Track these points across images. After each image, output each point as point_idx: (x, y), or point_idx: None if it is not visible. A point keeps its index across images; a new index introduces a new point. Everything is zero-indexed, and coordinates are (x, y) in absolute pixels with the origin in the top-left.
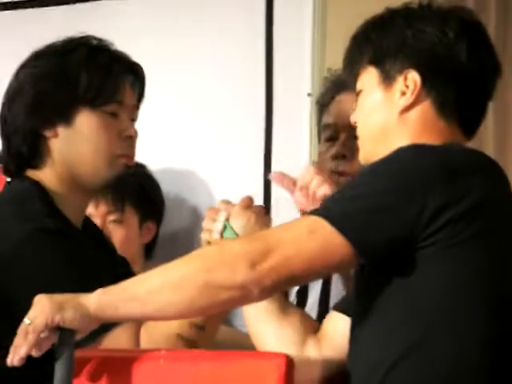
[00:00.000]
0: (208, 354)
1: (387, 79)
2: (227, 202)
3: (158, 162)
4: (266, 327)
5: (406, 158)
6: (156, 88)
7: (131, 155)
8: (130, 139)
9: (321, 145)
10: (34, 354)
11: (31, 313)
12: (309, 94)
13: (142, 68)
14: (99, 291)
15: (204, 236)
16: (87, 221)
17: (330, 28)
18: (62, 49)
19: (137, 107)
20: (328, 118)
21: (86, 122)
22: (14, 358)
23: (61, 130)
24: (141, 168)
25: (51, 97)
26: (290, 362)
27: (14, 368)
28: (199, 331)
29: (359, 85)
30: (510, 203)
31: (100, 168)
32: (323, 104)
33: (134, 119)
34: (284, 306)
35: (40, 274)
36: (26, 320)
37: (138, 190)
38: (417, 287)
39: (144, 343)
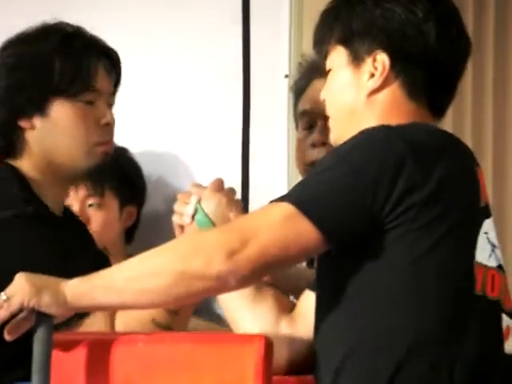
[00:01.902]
0: (187, 337)
1: (356, 60)
2: (199, 186)
3: (139, 145)
4: (241, 310)
5: (372, 140)
6: (134, 71)
7: (109, 142)
8: (108, 126)
9: (298, 132)
10: (9, 337)
11: (9, 289)
12: (286, 76)
13: (117, 53)
14: (76, 280)
15: (175, 219)
16: (67, 210)
17: (307, 8)
18: (34, 37)
19: (113, 93)
20: (304, 105)
21: (62, 113)
22: None
23: (37, 122)
24: (121, 151)
25: (25, 88)
26: (268, 344)
27: None
28: (173, 316)
29: (328, 63)
30: (472, 184)
31: (79, 158)
32: (298, 90)
33: (111, 105)
34: (257, 286)
35: (19, 260)
36: (3, 295)
37: (118, 174)
38: (380, 269)
39: (119, 329)
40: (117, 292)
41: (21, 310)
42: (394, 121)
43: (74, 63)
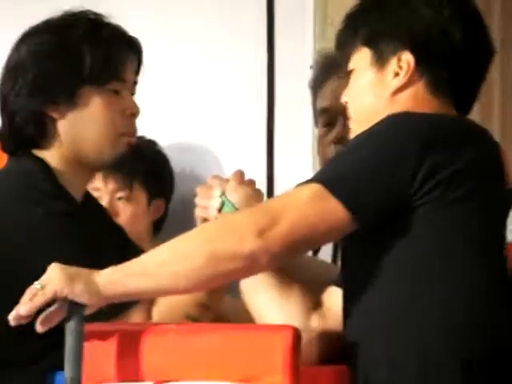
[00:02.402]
0: (217, 327)
1: (380, 60)
2: (219, 178)
3: (166, 137)
4: (268, 301)
5: (398, 122)
6: (161, 63)
7: (133, 133)
8: (133, 117)
9: (318, 129)
10: (41, 328)
11: (43, 279)
12: (311, 66)
13: (140, 43)
14: (109, 269)
15: (199, 213)
16: (87, 195)
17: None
18: (61, 24)
19: (135, 82)
20: (323, 102)
21: (91, 102)
22: (13, 315)
23: (66, 111)
24: (150, 144)
25: (55, 77)
26: (296, 334)
27: (25, 336)
28: (205, 310)
29: (351, 64)
30: (498, 168)
31: (104, 147)
32: (316, 87)
33: (133, 94)
34: (284, 280)
35: (50, 258)
36: (37, 284)
37: (146, 167)
38: (408, 248)
39: None
40: (150, 277)
41: (54, 300)
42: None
43: (102, 51)
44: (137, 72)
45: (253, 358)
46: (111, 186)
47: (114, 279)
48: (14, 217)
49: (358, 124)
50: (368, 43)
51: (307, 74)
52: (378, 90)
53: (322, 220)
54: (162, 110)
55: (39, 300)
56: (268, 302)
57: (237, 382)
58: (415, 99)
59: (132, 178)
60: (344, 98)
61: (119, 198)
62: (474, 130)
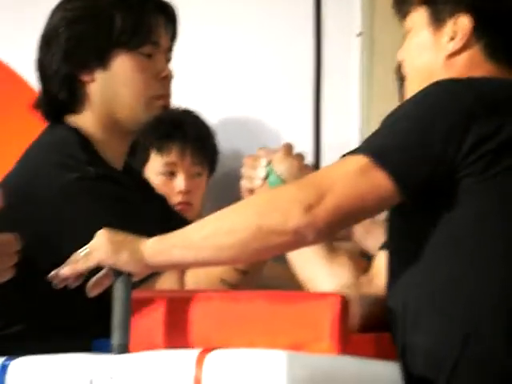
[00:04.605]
0: (262, 295)
1: (437, 21)
2: (266, 149)
3: (210, 109)
4: (317, 270)
5: (442, 92)
6: (204, 35)
7: (168, 95)
8: (166, 80)
9: None
10: (91, 293)
11: (91, 245)
12: (359, 34)
13: (173, 7)
14: (155, 239)
15: (245, 183)
16: (128, 166)
17: None
18: None
19: (170, 48)
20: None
21: (122, 65)
22: (54, 273)
23: (98, 74)
24: (200, 121)
25: (86, 41)
26: (344, 302)
27: (75, 303)
28: (242, 276)
29: (408, 23)
30: None
31: (138, 110)
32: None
33: (168, 60)
34: (331, 247)
35: (85, 218)
36: (83, 249)
37: (212, 144)
38: (453, 220)
39: (188, 288)
40: (195, 249)
41: (98, 265)
42: None
43: (134, 16)
44: (172, 38)
45: (300, 326)
46: (188, 160)
47: (160, 249)
48: (50, 183)
49: (414, 84)
50: (426, 2)
51: (354, 42)
52: (434, 51)
53: (369, 192)
54: (208, 84)
55: (82, 265)
56: (316, 271)
57: (284, 348)
58: (471, 63)
59: (205, 153)
60: (400, 56)
61: (197, 174)
62: None
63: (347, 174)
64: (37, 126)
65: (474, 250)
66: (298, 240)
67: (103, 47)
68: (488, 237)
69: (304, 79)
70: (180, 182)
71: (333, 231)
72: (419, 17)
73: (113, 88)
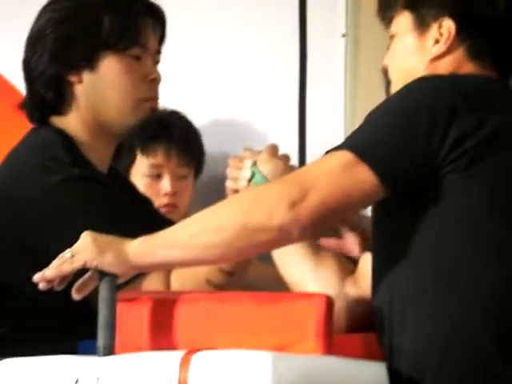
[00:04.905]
0: (248, 296)
1: (422, 25)
2: (251, 150)
3: (195, 111)
4: (302, 271)
5: (425, 88)
6: (189, 34)
7: (155, 98)
8: (154, 82)
9: None
10: (77, 296)
11: (75, 247)
12: (343, 35)
13: (162, 10)
14: (140, 239)
15: (229, 184)
16: (113, 169)
17: None
18: None
19: (158, 51)
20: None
21: (110, 67)
22: (39, 275)
23: (85, 75)
24: (183, 119)
25: (74, 41)
26: (329, 302)
27: (60, 305)
28: (228, 277)
29: (393, 29)
30: None
31: (125, 112)
32: None
33: (156, 62)
34: (316, 249)
35: (69, 220)
36: (68, 251)
37: (199, 146)
38: (440, 217)
39: (174, 289)
40: (181, 248)
41: (84, 268)
42: None
43: (122, 18)
44: (160, 41)
45: (286, 326)
46: (174, 162)
47: (145, 249)
48: (32, 186)
49: (398, 88)
50: (410, 7)
51: (339, 43)
52: (418, 55)
53: (353, 188)
54: (194, 86)
55: (66, 268)
56: (302, 271)
57: (270, 349)
58: (455, 65)
59: (192, 155)
60: (385, 62)
61: (183, 176)
62: (505, 95)
63: (331, 170)
64: (22, 127)
65: (461, 248)
66: (283, 237)
67: (91, 48)
68: (475, 235)
69: (289, 80)
70: (166, 183)
71: (318, 227)
72: (404, 21)
73: (100, 89)
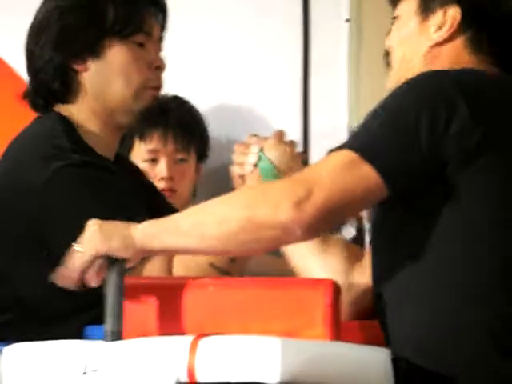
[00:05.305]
0: (256, 282)
1: (426, 10)
2: (257, 136)
3: (200, 97)
4: (311, 261)
5: (424, 84)
6: (193, 22)
7: (158, 88)
8: (159, 70)
9: None
10: (94, 283)
11: (82, 239)
12: (347, 20)
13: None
14: (146, 223)
15: (235, 170)
16: (120, 156)
17: None
18: None
19: (161, 39)
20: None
21: (116, 54)
22: (57, 277)
23: (91, 64)
24: (188, 105)
25: (79, 30)
26: (336, 288)
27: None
28: (231, 262)
29: (397, 11)
30: None
31: (129, 98)
32: None
33: (160, 50)
34: (325, 237)
35: (72, 207)
36: (76, 245)
37: (201, 130)
38: (440, 214)
39: (177, 273)
40: (182, 235)
41: (95, 257)
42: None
43: (126, 5)
44: (162, 28)
45: (293, 312)
46: (171, 147)
47: (151, 233)
48: (35, 175)
49: (396, 71)
50: None
51: (342, 32)
52: (419, 40)
53: (357, 187)
54: (199, 73)
55: (80, 261)
56: (310, 261)
57: (277, 335)
58: (453, 55)
59: (190, 139)
60: (387, 43)
61: (180, 160)
62: (506, 91)
63: (334, 169)
64: (25, 116)
65: (462, 247)
66: (286, 235)
67: (96, 36)
68: (477, 233)
69: (293, 66)
70: (162, 168)
71: (321, 227)
72: (409, 5)
73: (106, 77)
